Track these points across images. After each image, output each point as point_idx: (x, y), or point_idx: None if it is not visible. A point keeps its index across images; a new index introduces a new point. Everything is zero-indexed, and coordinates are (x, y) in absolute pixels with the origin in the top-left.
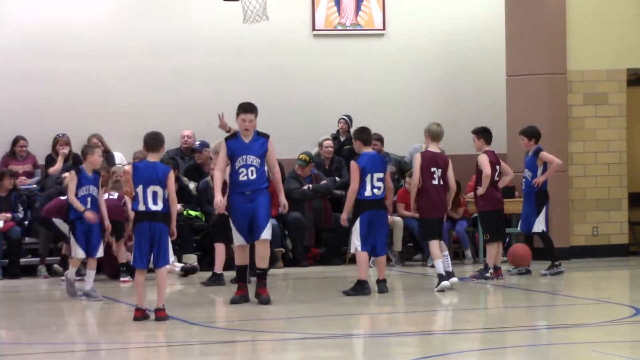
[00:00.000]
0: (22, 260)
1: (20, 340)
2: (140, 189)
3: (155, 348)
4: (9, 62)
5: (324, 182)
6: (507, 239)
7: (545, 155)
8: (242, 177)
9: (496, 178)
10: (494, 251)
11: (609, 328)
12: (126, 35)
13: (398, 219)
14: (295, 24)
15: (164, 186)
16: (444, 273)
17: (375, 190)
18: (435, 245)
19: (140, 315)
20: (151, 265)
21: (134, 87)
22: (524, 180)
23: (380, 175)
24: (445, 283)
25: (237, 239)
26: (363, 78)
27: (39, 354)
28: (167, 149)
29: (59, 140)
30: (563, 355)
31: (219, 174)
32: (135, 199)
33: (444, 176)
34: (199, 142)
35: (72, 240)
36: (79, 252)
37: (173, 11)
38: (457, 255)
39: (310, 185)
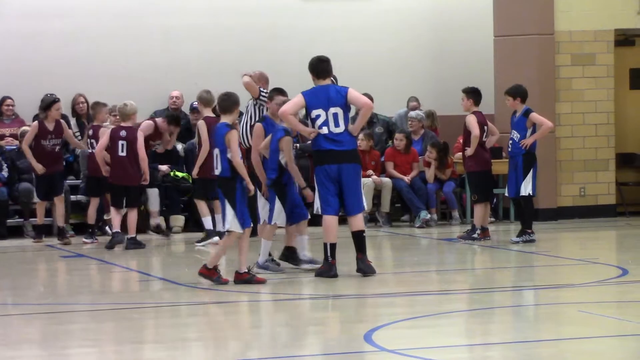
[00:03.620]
0: (9, 221)
1: (6, 301)
2: (216, 151)
3: (142, 309)
4: None
5: (309, 141)
6: (495, 200)
7: (536, 116)
8: None
9: (484, 139)
10: (481, 212)
11: (596, 288)
12: None
13: (386, 179)
14: None
15: (223, 148)
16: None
17: None
18: None
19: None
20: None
21: (122, 47)
22: (510, 141)
23: None
24: None
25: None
26: (352, 40)
27: (24, 315)
28: (154, 109)
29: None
30: (550, 315)
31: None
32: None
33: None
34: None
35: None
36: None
37: None
38: (444, 216)
39: (297, 145)
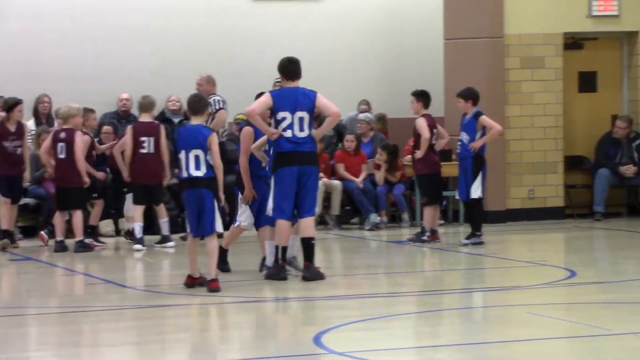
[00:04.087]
0: None
1: None
2: (182, 154)
3: (87, 312)
4: None
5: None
6: (444, 202)
7: (486, 120)
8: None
9: (433, 141)
10: (431, 214)
11: (545, 290)
12: None
13: (336, 182)
14: None
15: (205, 150)
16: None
17: None
18: None
19: (189, 282)
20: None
21: (74, 49)
22: (459, 143)
23: None
24: None
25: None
26: (302, 42)
27: None
28: (104, 112)
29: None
30: (499, 317)
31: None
32: (178, 166)
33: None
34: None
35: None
36: None
37: None
38: (394, 219)
39: None
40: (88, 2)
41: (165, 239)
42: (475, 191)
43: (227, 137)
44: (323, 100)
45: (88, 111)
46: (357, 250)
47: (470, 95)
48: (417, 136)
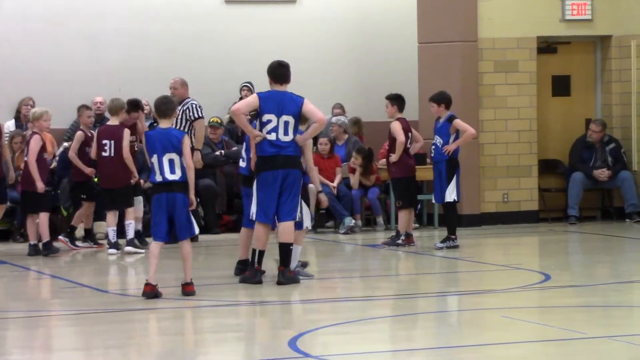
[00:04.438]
0: None
1: None
2: (155, 158)
3: (67, 316)
4: None
5: (235, 148)
6: (419, 206)
7: (459, 123)
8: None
9: (408, 145)
10: (405, 218)
11: (519, 294)
12: (38, 1)
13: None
14: None
15: (180, 153)
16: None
17: None
18: None
19: (149, 290)
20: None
21: (46, 53)
22: (433, 147)
23: None
24: None
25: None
26: (276, 46)
27: None
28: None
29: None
30: (474, 321)
31: None
32: (151, 170)
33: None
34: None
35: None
36: None
37: None
38: (369, 222)
39: (223, 151)
40: (64, 7)
41: (129, 243)
42: (451, 194)
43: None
44: (310, 106)
45: (83, 108)
46: (332, 254)
47: (442, 99)
48: (392, 140)
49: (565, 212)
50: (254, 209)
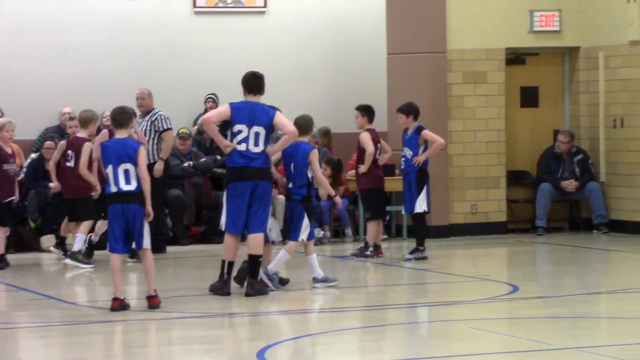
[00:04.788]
0: None
1: None
2: (110, 168)
3: (33, 328)
4: None
5: (203, 159)
6: (388, 217)
7: (428, 134)
8: None
9: (377, 156)
10: (374, 229)
11: (488, 305)
12: (7, 12)
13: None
14: (176, 1)
15: (135, 163)
16: None
17: None
18: None
19: (118, 305)
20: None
21: (15, 64)
22: (402, 159)
23: None
24: None
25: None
26: (246, 57)
27: None
28: (46, 125)
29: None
30: (442, 332)
31: None
32: (106, 180)
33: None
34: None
35: None
36: None
37: None
38: (337, 234)
39: (191, 162)
40: (33, 19)
41: (72, 255)
42: (421, 205)
43: (171, 152)
44: (281, 118)
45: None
46: (301, 265)
47: (410, 111)
48: (361, 151)
49: (533, 223)
50: (223, 219)
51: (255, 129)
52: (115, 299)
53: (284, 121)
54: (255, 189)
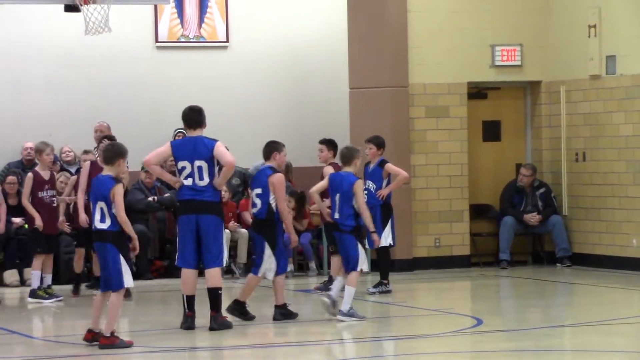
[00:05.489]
0: None
1: None
2: (91, 206)
3: None
4: None
5: (167, 194)
6: None
7: (391, 167)
8: None
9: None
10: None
11: (452, 339)
12: None
13: (243, 230)
14: (138, 35)
15: (108, 202)
16: None
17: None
18: None
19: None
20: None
21: None
22: (366, 192)
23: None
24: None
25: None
26: (206, 90)
27: None
28: (8, 160)
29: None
30: None
31: None
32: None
33: None
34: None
35: None
36: None
37: (11, 20)
38: (301, 267)
39: (155, 197)
40: None
41: (33, 293)
42: (386, 239)
43: (134, 186)
44: (220, 149)
45: (44, 145)
46: (265, 299)
47: (381, 143)
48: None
49: (496, 257)
50: (178, 253)
51: (198, 163)
52: (88, 331)
53: (223, 152)
54: (200, 222)
